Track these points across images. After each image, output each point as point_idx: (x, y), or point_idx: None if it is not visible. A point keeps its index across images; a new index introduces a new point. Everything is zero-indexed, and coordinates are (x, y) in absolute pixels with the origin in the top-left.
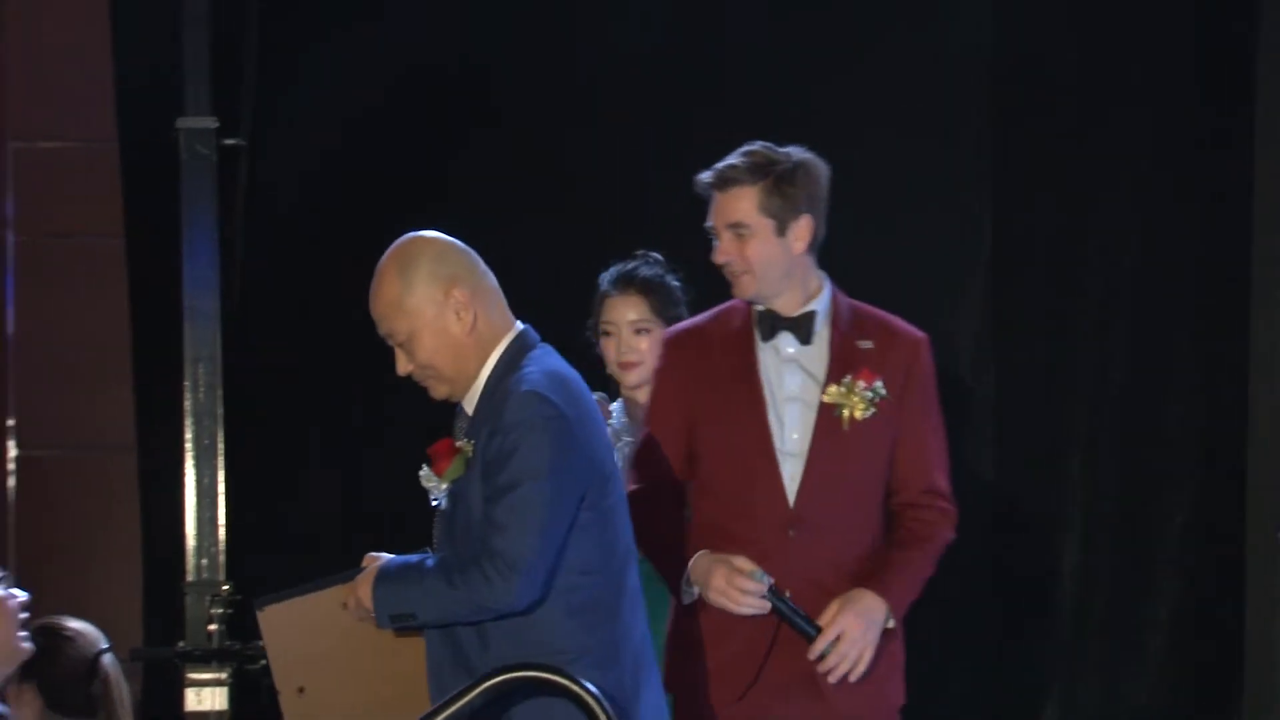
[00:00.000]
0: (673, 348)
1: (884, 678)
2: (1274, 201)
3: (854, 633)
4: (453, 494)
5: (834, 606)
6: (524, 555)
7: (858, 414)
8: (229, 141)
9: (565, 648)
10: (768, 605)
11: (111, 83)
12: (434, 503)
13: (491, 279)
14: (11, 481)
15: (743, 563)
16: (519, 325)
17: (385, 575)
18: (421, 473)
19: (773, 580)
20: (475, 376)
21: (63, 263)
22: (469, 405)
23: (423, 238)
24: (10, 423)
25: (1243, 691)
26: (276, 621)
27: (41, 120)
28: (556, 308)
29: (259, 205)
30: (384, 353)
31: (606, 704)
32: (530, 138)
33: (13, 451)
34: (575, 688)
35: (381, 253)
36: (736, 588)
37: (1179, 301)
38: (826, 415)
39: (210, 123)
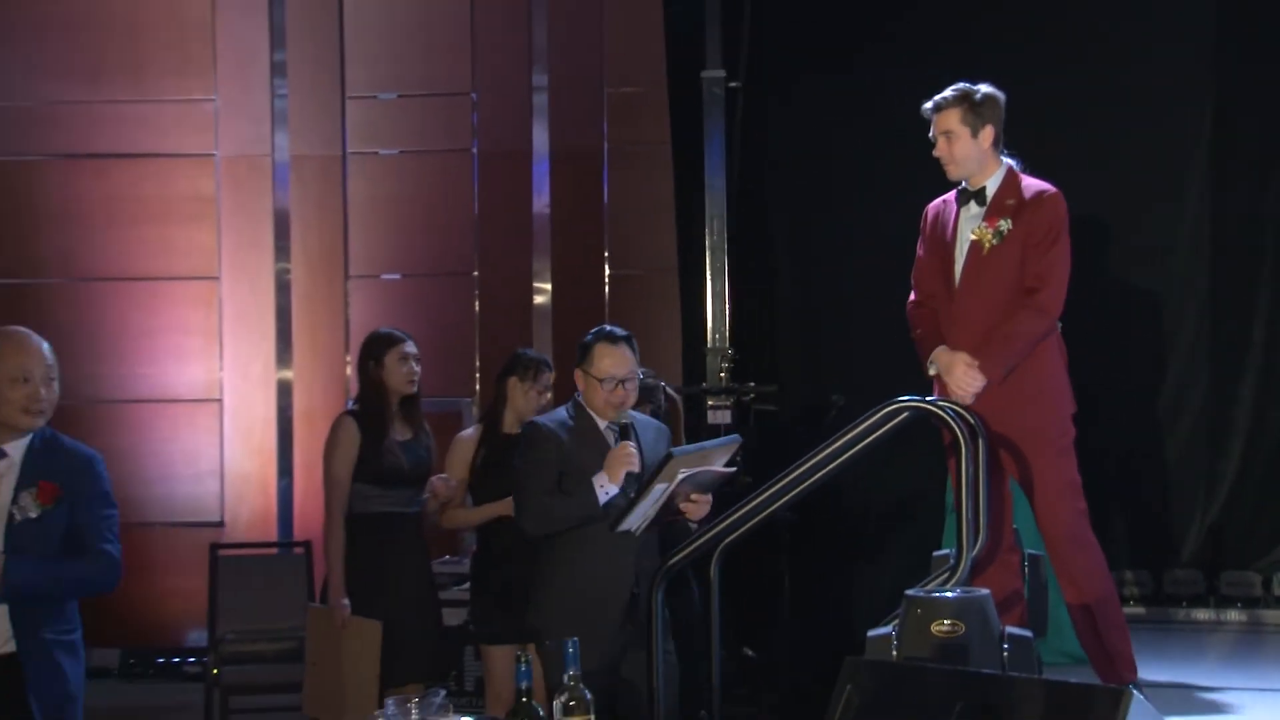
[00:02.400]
0: (927, 214)
1: (1038, 393)
2: None
3: (958, 372)
4: None
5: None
6: None
7: (987, 245)
8: (733, 84)
9: None
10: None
11: (663, 41)
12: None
13: None
14: (606, 292)
15: (964, 364)
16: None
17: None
18: None
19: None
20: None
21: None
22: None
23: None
24: (605, 254)
25: None
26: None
27: (620, 67)
28: None
29: (751, 128)
30: None
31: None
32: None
33: (607, 272)
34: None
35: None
36: (960, 377)
37: None
38: (975, 247)
39: (720, 73)
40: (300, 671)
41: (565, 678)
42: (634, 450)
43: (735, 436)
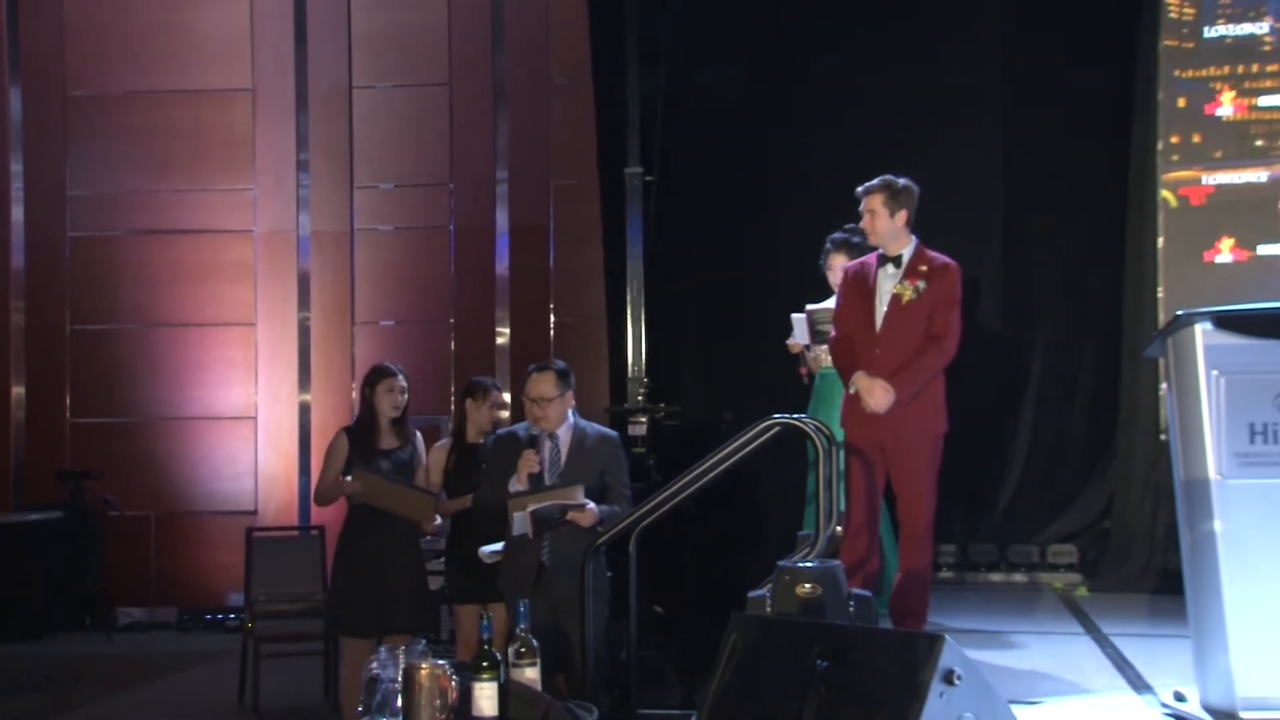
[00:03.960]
0: (847, 272)
1: (924, 414)
2: None
3: (877, 393)
4: None
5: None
6: None
7: (906, 298)
8: (648, 178)
9: None
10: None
11: (595, 144)
12: None
13: None
14: (551, 335)
15: (882, 388)
16: None
17: None
18: None
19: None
20: None
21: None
22: None
23: None
24: (551, 306)
25: None
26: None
27: (562, 164)
28: None
29: (662, 210)
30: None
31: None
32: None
33: (553, 320)
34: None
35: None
36: (878, 397)
37: None
38: (896, 299)
39: (639, 169)
40: (318, 625)
41: (517, 630)
42: (534, 457)
43: (579, 486)
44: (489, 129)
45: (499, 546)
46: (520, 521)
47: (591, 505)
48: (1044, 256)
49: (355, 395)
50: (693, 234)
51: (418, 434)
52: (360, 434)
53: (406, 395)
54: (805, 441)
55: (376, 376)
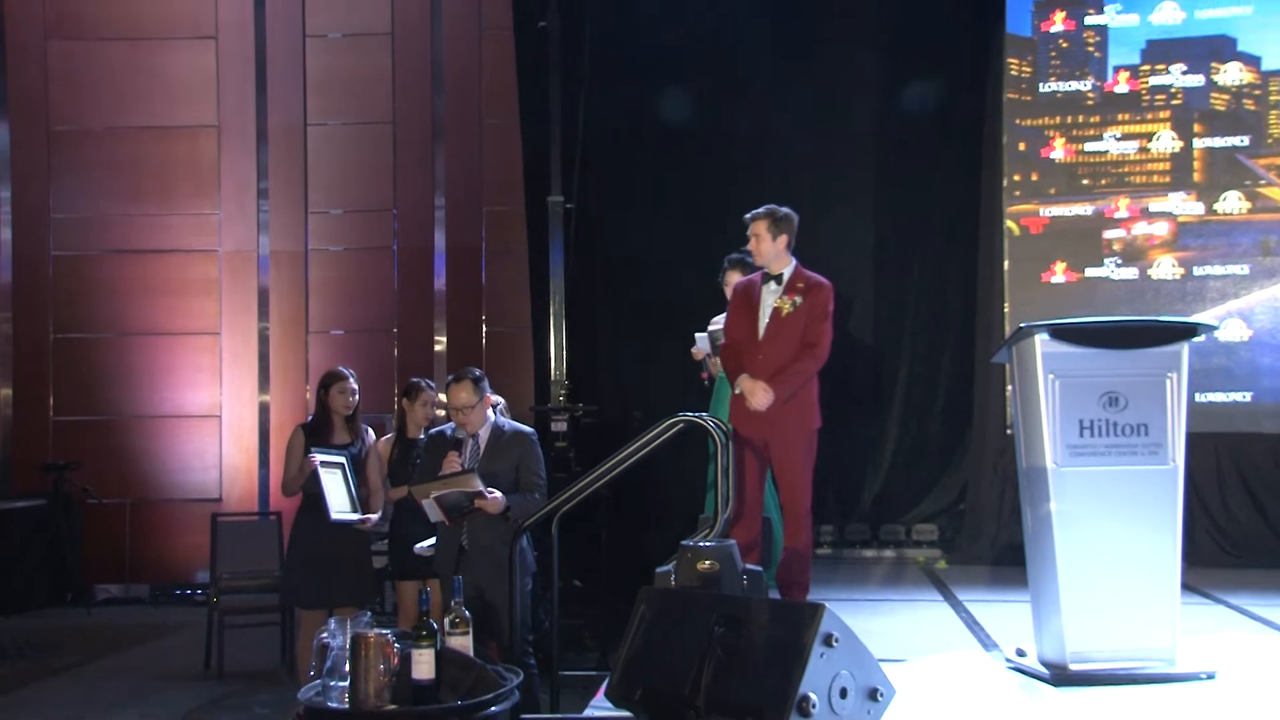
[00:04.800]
0: (737, 288)
1: (800, 412)
2: None
3: (759, 393)
4: None
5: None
6: None
7: (785, 311)
8: (568, 205)
9: None
10: (765, 405)
11: (522, 174)
12: None
13: None
14: (484, 343)
15: (763, 388)
16: None
17: None
18: None
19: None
20: None
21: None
22: None
23: None
24: (483, 317)
25: None
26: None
27: (493, 192)
28: None
29: (580, 233)
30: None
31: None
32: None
33: (485, 330)
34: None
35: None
36: (759, 397)
37: None
38: (777, 312)
39: (560, 198)
40: (275, 599)
41: (452, 603)
42: (456, 459)
43: (472, 470)
44: (428, 161)
45: (433, 541)
46: (430, 508)
47: (496, 494)
48: (910, 277)
49: (310, 396)
50: (606, 255)
51: (369, 430)
52: (315, 430)
53: (357, 396)
54: (705, 436)
55: (330, 379)
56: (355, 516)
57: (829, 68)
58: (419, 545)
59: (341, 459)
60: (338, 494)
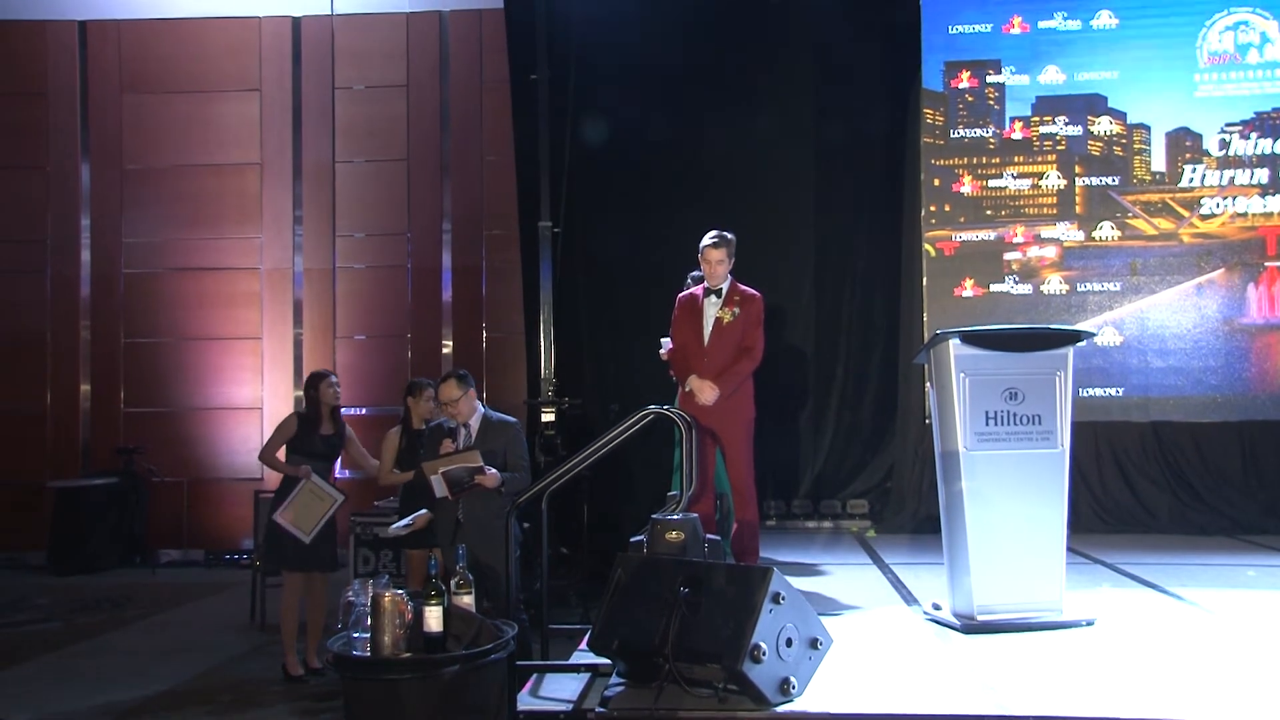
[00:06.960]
0: (681, 300)
1: (740, 405)
2: None
3: (706, 390)
4: None
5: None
6: None
7: (726, 320)
8: (556, 230)
9: None
10: (712, 401)
11: (516, 202)
12: None
13: None
14: (484, 347)
15: (710, 386)
16: None
17: None
18: None
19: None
20: None
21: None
22: None
23: None
24: (484, 325)
25: None
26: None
27: (492, 219)
28: None
29: (567, 254)
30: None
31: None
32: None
33: (485, 335)
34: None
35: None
36: (707, 394)
37: None
38: (719, 321)
39: (549, 223)
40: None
41: (457, 568)
42: (450, 444)
43: (475, 448)
44: (437, 193)
45: (405, 522)
46: (437, 484)
47: (492, 470)
48: (845, 290)
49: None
50: (588, 272)
51: (346, 425)
52: (308, 419)
53: (339, 390)
54: (672, 426)
55: (319, 377)
56: (299, 533)
57: (775, 111)
58: (393, 526)
59: (339, 498)
60: (304, 512)
